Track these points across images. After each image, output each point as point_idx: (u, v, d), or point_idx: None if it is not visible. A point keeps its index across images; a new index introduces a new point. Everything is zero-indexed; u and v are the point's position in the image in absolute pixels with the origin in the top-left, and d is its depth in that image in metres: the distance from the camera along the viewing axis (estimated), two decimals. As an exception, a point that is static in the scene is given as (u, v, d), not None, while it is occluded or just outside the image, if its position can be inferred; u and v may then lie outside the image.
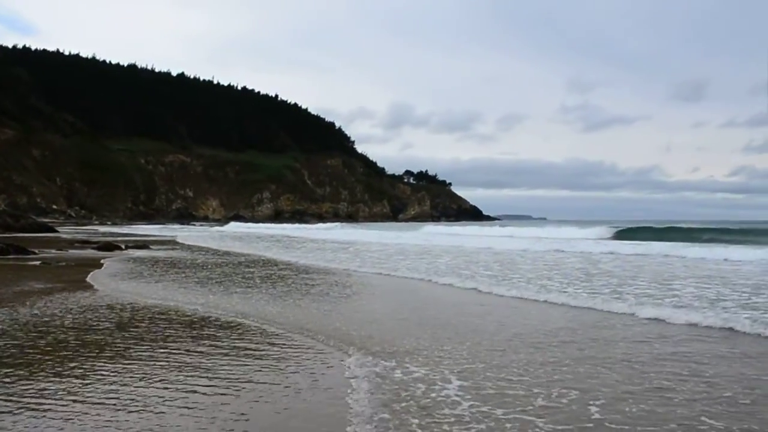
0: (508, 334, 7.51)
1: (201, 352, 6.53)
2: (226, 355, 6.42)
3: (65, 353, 6.34)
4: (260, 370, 5.82)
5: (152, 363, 6.00)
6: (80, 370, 5.68)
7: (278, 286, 12.62)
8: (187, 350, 6.59)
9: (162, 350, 6.57)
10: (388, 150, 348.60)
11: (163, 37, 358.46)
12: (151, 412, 4.58)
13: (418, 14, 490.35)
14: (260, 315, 8.90)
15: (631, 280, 13.11)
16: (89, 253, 22.82)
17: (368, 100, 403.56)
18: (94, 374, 5.56)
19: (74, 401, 4.79)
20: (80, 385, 5.20)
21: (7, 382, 5.25)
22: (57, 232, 44.52)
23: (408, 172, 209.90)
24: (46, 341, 6.89)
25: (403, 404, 4.78)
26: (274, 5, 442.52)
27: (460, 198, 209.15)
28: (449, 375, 5.60)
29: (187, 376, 5.57)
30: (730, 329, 7.63)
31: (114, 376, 5.52)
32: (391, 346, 6.79)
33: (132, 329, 7.71)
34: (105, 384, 5.26)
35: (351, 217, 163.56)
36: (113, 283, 12.76)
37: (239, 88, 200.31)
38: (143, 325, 8.04)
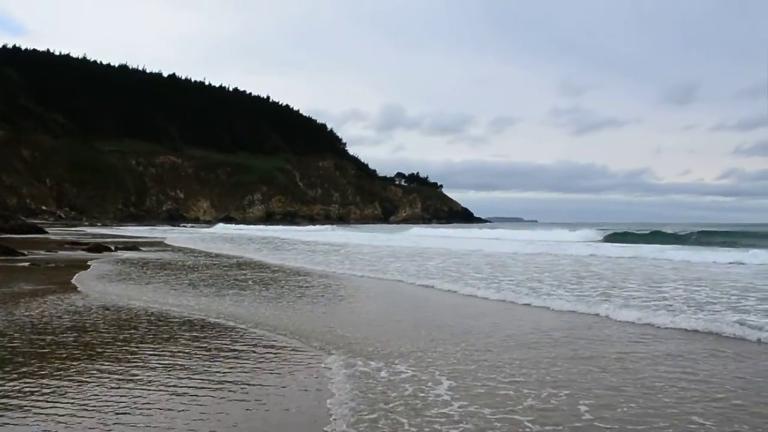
0: (502, 336, 7.53)
1: (189, 353, 6.50)
2: (216, 357, 6.39)
3: (61, 353, 6.29)
4: (250, 372, 5.79)
5: (142, 365, 5.96)
6: (64, 373, 5.62)
7: (271, 288, 12.58)
8: (176, 352, 6.55)
9: (150, 352, 6.52)
10: (380, 152, 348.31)
11: (154, 37, 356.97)
12: (140, 415, 4.55)
13: (410, 16, 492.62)
14: (251, 318, 8.86)
15: (621, 282, 13.17)
16: (79, 254, 22.69)
17: (360, 101, 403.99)
18: (80, 377, 5.51)
19: (56, 404, 4.75)
20: (67, 388, 5.15)
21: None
22: (46, 233, 44.15)
23: (399, 174, 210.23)
24: (30, 342, 6.83)
25: (391, 405, 4.78)
26: (266, 7, 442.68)
27: (451, 200, 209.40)
28: (439, 376, 5.60)
29: (179, 378, 5.53)
30: (719, 332, 7.69)
31: (100, 378, 5.47)
32: (385, 347, 6.79)
33: (123, 332, 7.65)
34: (91, 386, 5.21)
35: (342, 219, 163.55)
36: (101, 286, 12.68)
37: (231, 89, 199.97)
38: (135, 327, 7.98)
